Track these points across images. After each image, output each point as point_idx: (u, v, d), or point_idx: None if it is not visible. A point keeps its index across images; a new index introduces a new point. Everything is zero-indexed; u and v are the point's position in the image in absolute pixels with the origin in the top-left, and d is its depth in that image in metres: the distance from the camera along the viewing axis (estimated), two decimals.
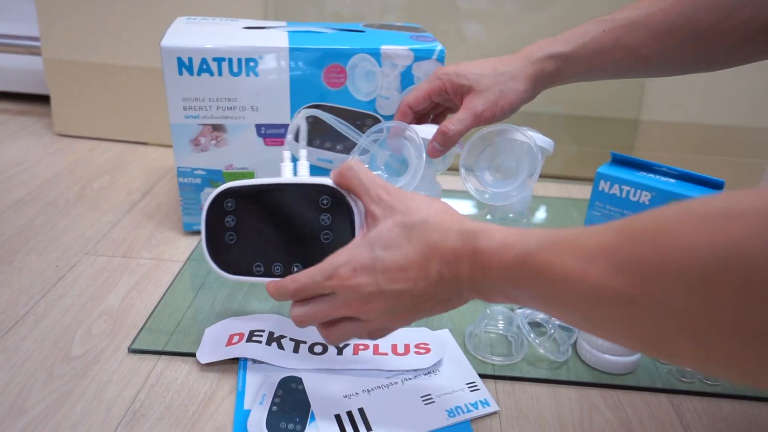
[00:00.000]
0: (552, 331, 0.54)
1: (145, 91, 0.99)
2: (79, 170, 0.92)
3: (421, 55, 0.69)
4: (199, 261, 0.70)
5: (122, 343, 0.56)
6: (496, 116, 0.58)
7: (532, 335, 0.55)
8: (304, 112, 0.49)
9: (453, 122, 0.57)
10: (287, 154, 0.47)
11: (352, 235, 0.44)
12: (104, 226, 0.77)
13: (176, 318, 0.60)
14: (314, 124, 0.71)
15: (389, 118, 0.71)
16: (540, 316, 0.56)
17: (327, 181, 0.45)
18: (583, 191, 0.93)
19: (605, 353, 0.53)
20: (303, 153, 0.47)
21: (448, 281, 0.39)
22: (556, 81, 0.59)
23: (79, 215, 0.79)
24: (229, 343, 0.55)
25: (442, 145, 0.58)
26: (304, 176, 0.48)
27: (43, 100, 1.12)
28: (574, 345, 0.56)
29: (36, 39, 1.02)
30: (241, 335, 0.55)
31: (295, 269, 0.45)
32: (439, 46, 0.70)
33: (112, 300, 0.62)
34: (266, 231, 0.46)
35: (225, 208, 0.47)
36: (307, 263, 0.44)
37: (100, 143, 1.02)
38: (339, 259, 0.41)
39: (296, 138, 0.48)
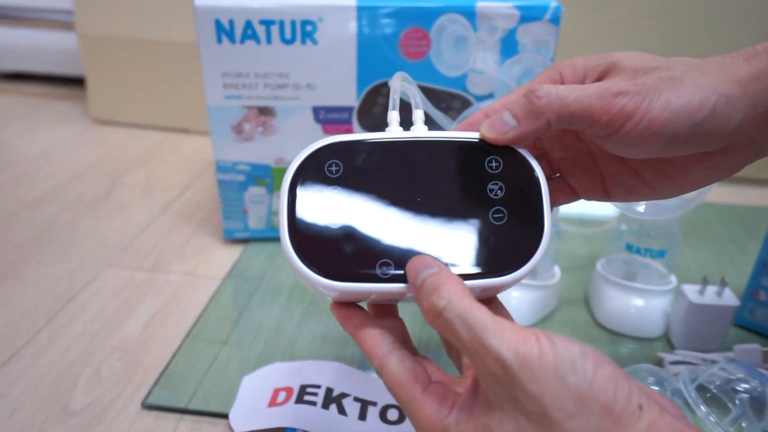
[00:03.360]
0: (740, 412, 0.37)
1: (191, 70, 0.86)
2: (112, 162, 0.80)
3: (529, 15, 0.52)
4: (239, 279, 0.56)
5: (136, 393, 0.43)
6: (650, 118, 0.28)
7: (703, 409, 0.38)
8: (397, 76, 0.34)
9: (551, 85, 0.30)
10: (395, 114, 0.32)
11: (540, 211, 0.29)
12: (132, 229, 0.64)
13: (207, 358, 0.46)
14: (384, 106, 0.55)
15: (484, 99, 0.55)
16: (717, 382, 0.39)
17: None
18: (762, 197, 0.74)
19: None
20: (419, 114, 0.32)
21: None
22: None
23: (104, 215, 0.67)
24: (273, 402, 0.40)
25: (515, 118, 0.29)
26: (448, 132, 0.31)
27: (83, 83, 1.01)
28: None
29: (70, 12, 0.90)
30: (288, 391, 0.41)
31: (452, 269, 0.28)
32: (553, 3, 0.53)
33: (130, 329, 0.49)
34: (397, 210, 0.29)
35: (327, 174, 0.29)
36: (469, 257, 0.28)
37: (138, 131, 0.90)
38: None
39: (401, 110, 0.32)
